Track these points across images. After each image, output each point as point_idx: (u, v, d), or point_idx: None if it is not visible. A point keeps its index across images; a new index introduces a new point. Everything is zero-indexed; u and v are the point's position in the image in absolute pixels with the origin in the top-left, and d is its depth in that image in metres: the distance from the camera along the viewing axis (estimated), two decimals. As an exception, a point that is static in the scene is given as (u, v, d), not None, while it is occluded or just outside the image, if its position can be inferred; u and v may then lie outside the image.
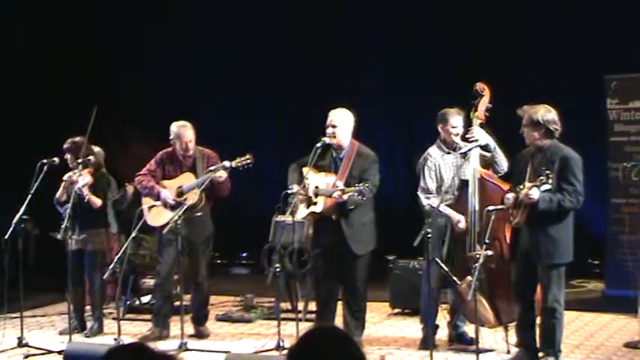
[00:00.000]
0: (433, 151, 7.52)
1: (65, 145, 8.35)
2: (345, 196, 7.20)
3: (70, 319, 8.11)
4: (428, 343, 7.18)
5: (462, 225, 7.21)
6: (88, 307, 8.62)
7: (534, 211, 6.61)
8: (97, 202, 8.30)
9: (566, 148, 6.78)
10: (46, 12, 11.65)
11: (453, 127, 7.46)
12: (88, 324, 8.45)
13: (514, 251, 6.92)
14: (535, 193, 6.52)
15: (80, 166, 8.18)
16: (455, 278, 7.09)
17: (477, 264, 6.53)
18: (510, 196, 6.76)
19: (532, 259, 6.76)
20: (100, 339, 8.21)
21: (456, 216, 7.26)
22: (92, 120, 8.07)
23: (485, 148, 7.37)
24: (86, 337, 8.25)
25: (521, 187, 6.64)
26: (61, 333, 8.39)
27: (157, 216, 8.12)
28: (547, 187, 6.48)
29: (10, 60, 11.26)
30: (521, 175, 6.81)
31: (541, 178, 6.46)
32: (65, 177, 8.30)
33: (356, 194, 7.12)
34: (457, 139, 7.48)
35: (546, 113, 6.74)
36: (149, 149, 8.72)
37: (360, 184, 7.14)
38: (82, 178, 8.18)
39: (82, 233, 8.28)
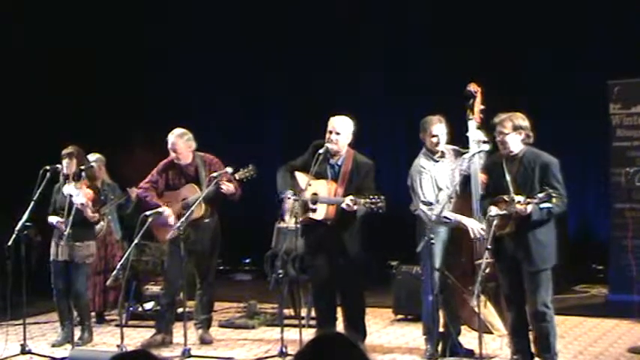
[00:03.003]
0: (423, 162, 7.38)
1: (68, 151, 8.29)
2: (356, 207, 7.19)
3: (64, 328, 8.20)
4: (432, 352, 7.20)
5: (476, 229, 7.09)
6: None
7: (524, 220, 6.57)
8: (95, 217, 8.25)
9: (542, 153, 6.72)
10: (47, 13, 11.64)
11: (434, 136, 7.31)
12: (78, 334, 8.36)
13: (498, 259, 6.87)
14: (530, 208, 6.49)
15: (81, 177, 8.13)
16: (458, 284, 7.07)
17: (482, 271, 6.51)
18: (494, 209, 6.68)
19: (518, 265, 6.71)
20: (102, 346, 8.20)
21: (466, 221, 7.17)
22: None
23: (487, 150, 7.34)
24: (77, 346, 8.17)
25: (507, 198, 6.56)
26: (53, 345, 8.32)
27: (164, 230, 8.12)
28: (547, 205, 6.43)
29: (10, 65, 11.25)
30: (499, 185, 6.72)
31: (541, 196, 6.39)
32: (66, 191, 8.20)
33: (372, 207, 7.10)
34: (439, 148, 7.37)
35: (524, 120, 6.72)
36: (152, 152, 8.72)
37: (376, 197, 7.11)
38: (83, 196, 8.09)
39: (73, 243, 8.14)
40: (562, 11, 10.75)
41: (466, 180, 7.34)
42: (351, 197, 7.22)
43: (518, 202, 6.48)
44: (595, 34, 10.51)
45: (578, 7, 10.66)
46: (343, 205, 7.24)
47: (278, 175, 7.67)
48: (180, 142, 8.10)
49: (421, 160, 7.40)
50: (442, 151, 7.40)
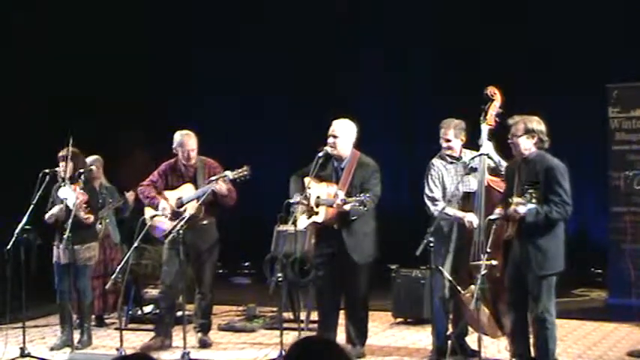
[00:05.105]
0: (436, 161, 7.48)
1: (63, 154, 8.27)
2: (347, 206, 7.21)
3: (64, 331, 8.18)
4: (439, 353, 7.22)
5: (475, 223, 7.09)
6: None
7: (523, 223, 6.59)
8: (90, 218, 8.24)
9: (550, 158, 6.72)
10: (48, 13, 11.65)
11: (441, 139, 7.40)
12: (77, 337, 8.34)
13: (506, 262, 6.90)
14: (522, 209, 6.50)
15: (78, 180, 8.11)
16: (459, 287, 7.08)
17: (479, 273, 6.53)
18: (498, 211, 6.73)
19: (523, 270, 6.73)
20: (102, 349, 8.20)
21: (465, 215, 7.17)
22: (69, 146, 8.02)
23: (489, 156, 7.34)
24: (76, 349, 8.16)
25: (510, 200, 6.61)
26: (52, 348, 8.29)
27: (159, 225, 8.15)
28: (533, 205, 6.44)
29: (10, 65, 11.25)
30: (511, 188, 6.78)
31: (525, 196, 6.42)
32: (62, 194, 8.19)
33: (357, 204, 7.14)
34: (448, 152, 7.40)
35: (539, 124, 6.73)
36: (150, 156, 8.72)
37: (362, 194, 7.16)
38: (78, 196, 8.07)
39: (72, 246, 8.13)
40: (561, 13, 10.76)
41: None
42: (341, 197, 7.23)
43: (516, 203, 6.50)
44: (594, 37, 10.51)
45: (577, 10, 10.67)
46: (334, 206, 7.27)
47: (290, 182, 7.69)
48: (191, 141, 8.14)
49: (434, 159, 7.49)
50: (456, 157, 7.41)
